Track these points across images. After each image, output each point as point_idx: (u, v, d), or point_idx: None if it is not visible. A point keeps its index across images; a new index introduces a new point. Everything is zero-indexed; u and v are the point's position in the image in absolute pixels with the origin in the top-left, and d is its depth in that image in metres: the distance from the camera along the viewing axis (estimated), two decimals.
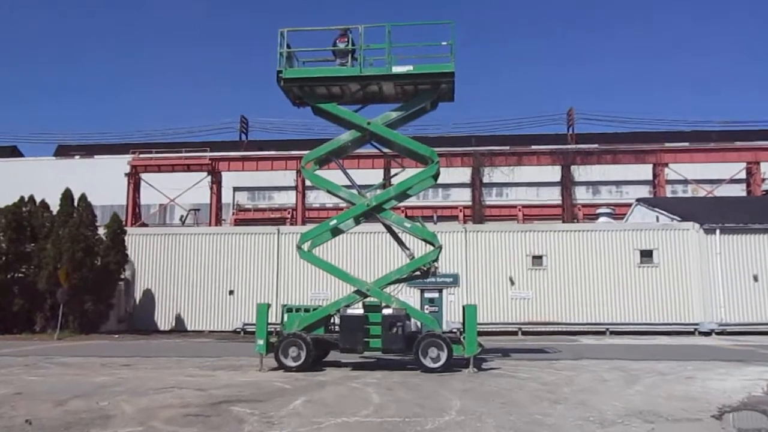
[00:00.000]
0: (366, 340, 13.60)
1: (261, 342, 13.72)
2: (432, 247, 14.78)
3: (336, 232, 15.32)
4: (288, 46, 14.87)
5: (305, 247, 14.86)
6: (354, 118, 15.14)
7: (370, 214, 15.09)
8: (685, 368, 13.47)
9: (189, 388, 10.80)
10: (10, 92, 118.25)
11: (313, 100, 15.26)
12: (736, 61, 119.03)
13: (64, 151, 64.72)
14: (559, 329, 27.54)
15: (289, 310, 14.61)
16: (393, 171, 35.87)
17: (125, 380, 11.87)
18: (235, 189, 56.39)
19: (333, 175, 16.23)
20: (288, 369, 13.31)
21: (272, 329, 14.79)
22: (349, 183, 15.65)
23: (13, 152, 66.04)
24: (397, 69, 14.38)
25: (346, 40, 14.78)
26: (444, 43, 14.49)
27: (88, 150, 62.28)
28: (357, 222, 15.63)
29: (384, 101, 15.81)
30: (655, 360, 15.51)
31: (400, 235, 16.16)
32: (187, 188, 44.67)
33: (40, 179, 43.98)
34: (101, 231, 28.30)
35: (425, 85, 14.90)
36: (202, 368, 14.11)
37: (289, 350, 13.49)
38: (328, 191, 15.77)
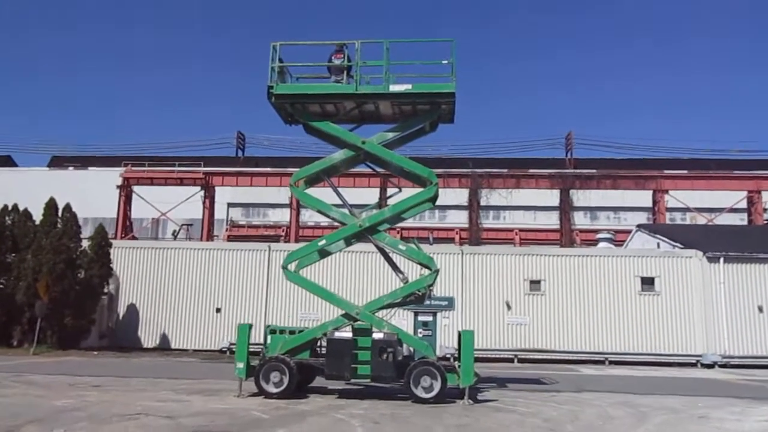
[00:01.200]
0: (354, 366, 12.62)
1: (241, 365, 12.75)
2: (428, 271, 13.91)
3: (324, 253, 14.45)
4: (280, 61, 14.09)
5: (291, 267, 13.99)
6: (348, 136, 14.34)
7: (363, 235, 14.23)
8: (696, 405, 12.56)
9: (157, 416, 9.86)
10: (6, 102, 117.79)
11: (306, 117, 14.46)
12: (735, 87, 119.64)
13: (58, 162, 64.10)
14: (557, 357, 26.53)
15: (273, 332, 13.64)
16: (390, 191, 35.13)
17: (89, 404, 10.90)
18: (230, 205, 55.68)
19: (328, 193, 15.32)
20: (269, 395, 12.34)
21: (260, 350, 13.86)
22: (343, 199, 14.84)
23: (7, 162, 65.37)
24: (395, 88, 13.60)
25: (342, 56, 14.04)
26: (444, 62, 13.69)
27: (83, 161, 61.67)
28: (348, 243, 14.76)
29: (381, 121, 15.01)
30: (662, 394, 14.59)
31: (394, 257, 15.25)
32: (179, 203, 43.84)
33: (33, 190, 42.99)
34: (86, 243, 27.36)
35: (424, 105, 14.11)
36: (177, 392, 13.14)
37: (271, 375, 12.52)
38: (319, 211, 14.95)
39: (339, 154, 14.47)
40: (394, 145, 14.82)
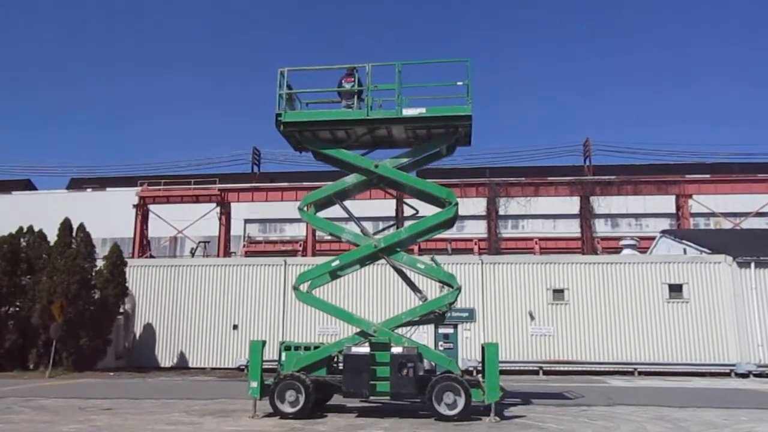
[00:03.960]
0: (372, 382, 12.01)
1: (254, 384, 12.20)
2: (448, 288, 13.27)
3: (335, 275, 13.87)
4: (289, 87, 13.63)
5: (303, 288, 13.45)
6: (360, 161, 13.77)
7: (378, 256, 13.62)
8: (739, 419, 11.75)
9: None
10: (24, 125, 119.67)
11: (316, 145, 13.94)
12: (756, 93, 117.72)
13: (76, 184, 64.63)
14: (584, 369, 25.62)
15: (287, 348, 13.07)
16: (407, 212, 34.52)
17: (96, 430, 10.43)
18: (246, 221, 55.54)
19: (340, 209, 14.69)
20: (284, 415, 11.79)
21: (276, 366, 13.32)
22: (357, 221, 14.29)
23: (27, 185, 66.07)
24: (408, 112, 13.01)
25: (352, 80, 13.54)
26: (460, 83, 13.07)
27: (101, 182, 62.07)
28: (362, 265, 14.19)
29: (394, 146, 14.42)
30: (699, 407, 13.75)
31: (411, 274, 14.55)
32: (195, 220, 43.77)
33: (52, 212, 43.17)
34: (101, 263, 27.15)
35: (439, 128, 13.50)
36: (190, 413, 12.62)
37: (286, 394, 11.97)
38: (331, 234, 14.44)
39: (351, 178, 13.93)
40: (409, 168, 14.21)
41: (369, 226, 15.40)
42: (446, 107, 13.21)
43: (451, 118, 13.11)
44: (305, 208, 13.92)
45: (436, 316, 13.81)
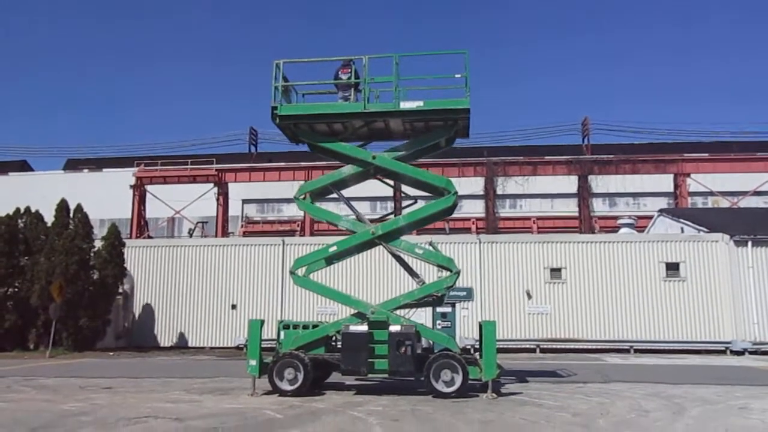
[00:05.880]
0: (371, 360, 12.08)
1: (253, 363, 12.28)
2: (446, 272, 13.28)
3: (331, 261, 13.80)
4: (285, 79, 13.44)
5: (300, 272, 13.44)
6: (357, 153, 13.60)
7: (376, 243, 13.56)
8: (733, 395, 11.88)
9: (165, 418, 9.43)
10: (21, 106, 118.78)
11: (312, 138, 13.77)
12: (754, 69, 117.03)
13: (73, 165, 64.40)
14: (580, 347, 25.85)
15: (286, 327, 13.14)
16: (405, 202, 34.38)
17: (97, 408, 10.50)
18: (244, 201, 55.42)
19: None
20: (283, 393, 11.87)
21: (275, 345, 13.39)
22: (354, 209, 14.28)
23: (23, 166, 65.82)
24: (406, 105, 12.81)
25: (348, 71, 13.36)
26: (458, 76, 12.85)
27: (97, 163, 61.83)
28: (360, 251, 14.16)
29: (391, 138, 14.27)
30: (694, 384, 13.89)
31: (409, 259, 14.53)
32: (193, 200, 43.69)
33: (49, 193, 43.11)
34: (99, 243, 27.15)
35: (437, 121, 13.34)
36: (189, 391, 12.73)
37: (285, 372, 12.04)
38: (328, 222, 14.40)
39: (348, 169, 13.78)
40: (407, 159, 14.06)
41: (367, 206, 15.39)
42: (444, 100, 13.02)
43: (450, 111, 12.94)
44: (302, 197, 13.84)
45: (434, 298, 13.85)
